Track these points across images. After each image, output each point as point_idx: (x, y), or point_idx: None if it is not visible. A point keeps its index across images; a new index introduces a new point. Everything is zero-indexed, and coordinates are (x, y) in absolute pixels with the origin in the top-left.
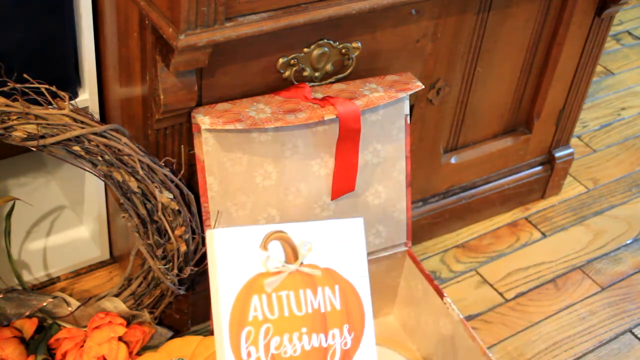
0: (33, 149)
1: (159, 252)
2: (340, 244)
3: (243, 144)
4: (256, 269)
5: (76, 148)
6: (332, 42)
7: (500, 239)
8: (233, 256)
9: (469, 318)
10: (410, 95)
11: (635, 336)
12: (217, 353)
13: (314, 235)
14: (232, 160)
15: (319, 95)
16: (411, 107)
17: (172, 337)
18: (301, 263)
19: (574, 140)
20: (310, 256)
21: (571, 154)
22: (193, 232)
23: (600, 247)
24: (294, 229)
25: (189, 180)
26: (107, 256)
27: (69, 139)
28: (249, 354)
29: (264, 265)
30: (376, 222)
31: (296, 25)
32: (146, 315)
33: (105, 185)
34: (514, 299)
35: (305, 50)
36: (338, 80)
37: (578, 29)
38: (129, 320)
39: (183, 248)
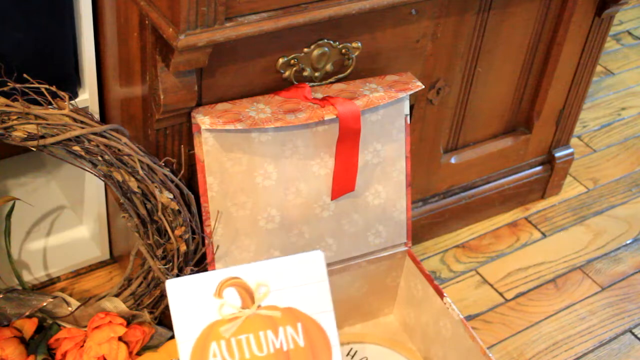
0: (33, 149)
1: (159, 252)
2: (301, 281)
3: (243, 144)
4: (212, 317)
5: (76, 148)
6: (332, 42)
7: (500, 239)
8: (187, 305)
9: (469, 318)
10: (410, 95)
11: (635, 336)
12: None
13: (272, 274)
14: (232, 160)
15: (319, 95)
16: (411, 107)
17: (172, 337)
18: (258, 306)
19: (574, 140)
20: (269, 297)
21: (571, 154)
22: (193, 232)
23: (600, 247)
24: (250, 271)
25: (189, 180)
26: (107, 256)
27: (69, 139)
28: None
29: (219, 312)
30: (376, 222)
31: (296, 25)
32: (146, 315)
33: (105, 185)
34: (514, 299)
35: (305, 50)
36: (338, 80)
37: (578, 29)
38: (129, 320)
39: (183, 248)
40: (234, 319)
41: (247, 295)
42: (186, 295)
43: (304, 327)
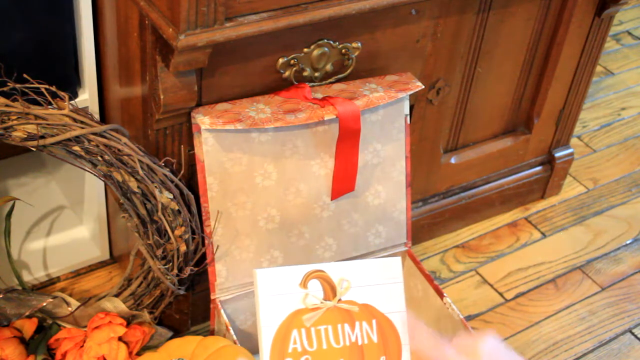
0: (33, 149)
1: (159, 252)
2: (379, 281)
3: (243, 144)
4: (296, 306)
5: (76, 148)
6: (332, 42)
7: (500, 239)
8: (274, 293)
9: (469, 318)
10: (410, 95)
11: (635, 336)
12: None
13: (353, 273)
14: (232, 160)
15: (319, 95)
16: (411, 107)
17: (172, 337)
18: (339, 300)
19: (574, 140)
20: (349, 293)
21: (571, 154)
22: (193, 232)
23: (600, 247)
24: (334, 268)
25: (189, 180)
26: (107, 256)
27: (69, 139)
28: None
29: (303, 302)
30: (376, 222)
31: (296, 25)
32: (146, 315)
33: (105, 185)
34: (514, 299)
35: (305, 50)
36: (338, 80)
37: (578, 29)
38: (129, 320)
39: (183, 248)
40: (315, 309)
41: (330, 288)
42: (274, 283)
43: (378, 324)
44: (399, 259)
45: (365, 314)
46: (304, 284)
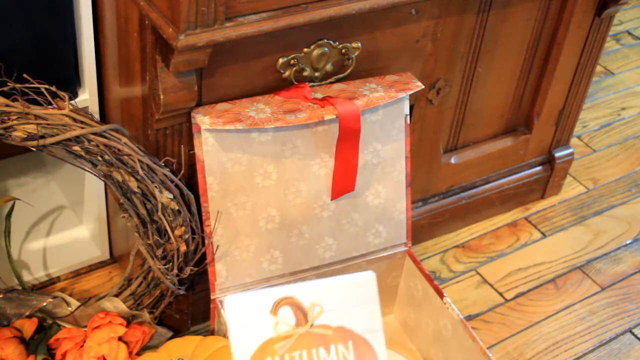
0: (33, 149)
1: (159, 252)
2: (353, 302)
3: (243, 144)
4: (267, 334)
5: (76, 148)
6: (332, 42)
7: (500, 239)
8: (245, 323)
9: (469, 318)
10: (410, 95)
11: (635, 336)
12: None
13: (325, 294)
14: (232, 160)
15: (319, 95)
16: (411, 107)
17: (172, 337)
18: (311, 325)
19: (574, 140)
20: (322, 317)
21: (571, 154)
22: (193, 232)
23: (600, 247)
24: (304, 290)
25: (189, 180)
26: (107, 256)
27: (68, 139)
28: None
29: (274, 329)
30: (376, 222)
31: (296, 25)
32: (146, 315)
33: (105, 185)
34: (514, 299)
35: (305, 50)
36: (338, 80)
37: (578, 29)
38: (129, 320)
39: (183, 248)
40: (288, 337)
41: (301, 314)
42: (244, 311)
43: (354, 345)
44: (373, 274)
45: (340, 337)
46: (274, 311)
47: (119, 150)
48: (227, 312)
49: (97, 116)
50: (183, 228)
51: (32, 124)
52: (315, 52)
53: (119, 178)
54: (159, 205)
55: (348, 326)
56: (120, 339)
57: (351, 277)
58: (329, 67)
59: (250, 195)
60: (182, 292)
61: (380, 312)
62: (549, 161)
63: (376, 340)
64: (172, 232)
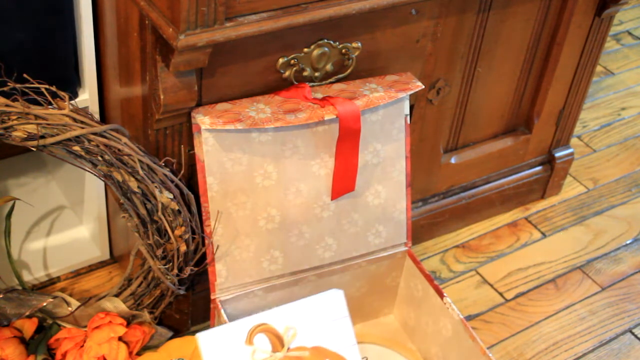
0: (33, 149)
1: (159, 252)
2: (324, 320)
3: (243, 144)
4: None
5: (76, 148)
6: (332, 42)
7: (500, 239)
8: (221, 356)
9: (469, 318)
10: (410, 95)
11: (635, 336)
12: None
13: (297, 316)
14: (232, 160)
15: (319, 95)
16: (411, 107)
17: (172, 337)
18: (288, 348)
19: (574, 140)
20: (297, 339)
21: (571, 154)
22: (193, 232)
23: (600, 247)
24: (277, 315)
25: (189, 180)
26: (107, 256)
27: (69, 139)
28: None
29: (252, 358)
30: (376, 222)
31: (296, 25)
32: (146, 315)
33: (105, 185)
34: (514, 299)
35: (305, 50)
36: (338, 80)
37: (578, 29)
38: (129, 320)
39: (183, 248)
40: None
41: (277, 339)
42: (218, 345)
43: None
44: (341, 292)
45: (316, 356)
46: (249, 340)
47: (119, 150)
48: (202, 350)
49: (97, 116)
50: (183, 228)
51: (32, 124)
52: (316, 52)
53: (119, 178)
54: (159, 205)
55: (323, 345)
56: (120, 339)
57: (320, 297)
58: (329, 67)
59: (250, 195)
60: (182, 292)
61: (352, 326)
62: (549, 161)
63: (352, 355)
64: (172, 232)
